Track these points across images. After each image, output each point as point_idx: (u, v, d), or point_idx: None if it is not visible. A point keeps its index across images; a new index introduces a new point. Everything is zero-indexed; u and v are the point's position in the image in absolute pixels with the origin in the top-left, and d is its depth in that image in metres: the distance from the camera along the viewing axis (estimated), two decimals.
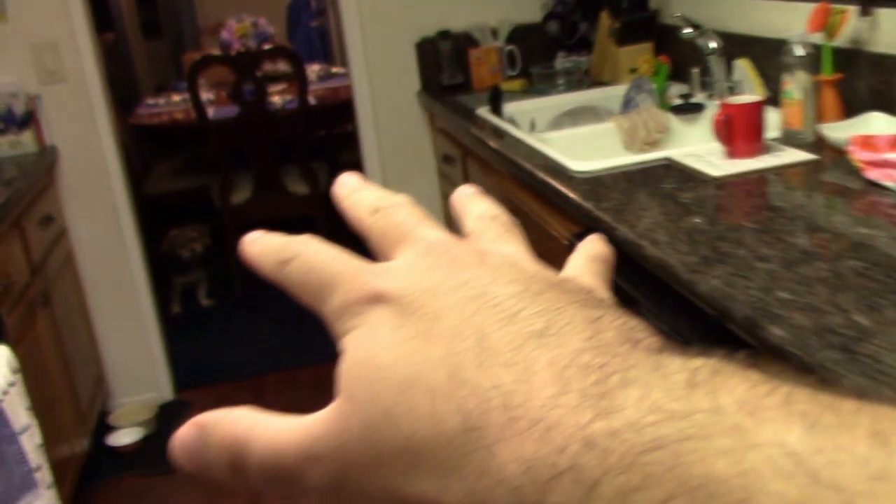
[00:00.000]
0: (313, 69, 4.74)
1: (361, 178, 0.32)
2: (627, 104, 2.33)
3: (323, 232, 0.29)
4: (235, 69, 3.67)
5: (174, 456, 0.27)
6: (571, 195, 1.62)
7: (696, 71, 2.25)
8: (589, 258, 0.32)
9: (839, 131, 1.62)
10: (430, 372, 0.23)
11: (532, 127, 2.39)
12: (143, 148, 4.44)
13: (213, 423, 0.26)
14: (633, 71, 2.51)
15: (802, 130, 1.71)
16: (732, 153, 1.66)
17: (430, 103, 2.82)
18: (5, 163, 2.63)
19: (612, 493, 0.19)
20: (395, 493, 0.23)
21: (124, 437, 2.82)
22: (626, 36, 2.55)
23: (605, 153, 1.91)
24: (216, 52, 4.59)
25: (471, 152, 2.45)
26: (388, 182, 2.92)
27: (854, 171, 1.48)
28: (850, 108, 1.72)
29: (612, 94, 2.48)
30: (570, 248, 0.34)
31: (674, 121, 2.11)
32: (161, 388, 3.10)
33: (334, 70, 4.95)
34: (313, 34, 6.37)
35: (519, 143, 2.07)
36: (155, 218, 3.91)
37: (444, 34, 2.86)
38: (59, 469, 2.17)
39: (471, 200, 0.33)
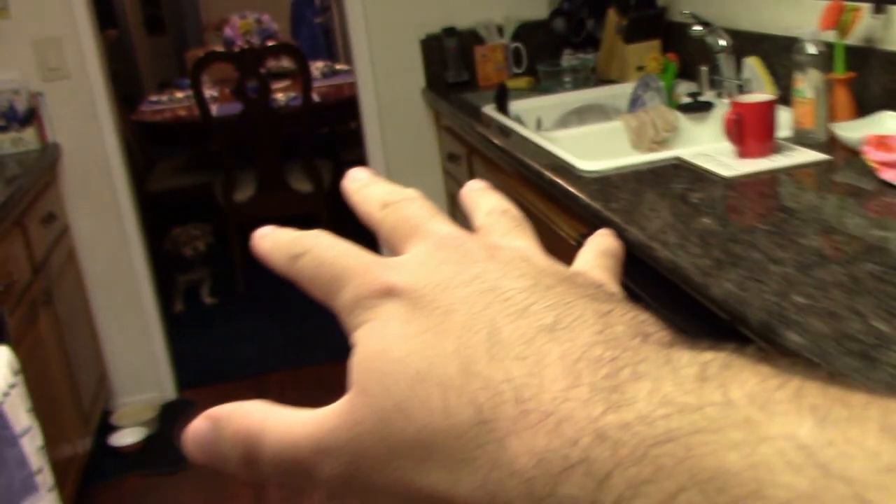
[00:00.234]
0: (317, 66, 4.72)
1: (371, 173, 0.32)
2: (635, 102, 2.31)
3: (327, 230, 0.29)
4: (239, 66, 3.65)
5: (187, 448, 0.27)
6: (580, 195, 1.60)
7: (704, 69, 2.22)
8: (599, 253, 0.33)
9: (852, 131, 1.60)
10: (441, 365, 0.23)
11: (538, 125, 2.37)
12: (145, 145, 4.42)
13: (226, 416, 0.26)
14: (641, 69, 2.48)
15: (814, 130, 1.69)
16: (743, 153, 1.63)
17: (435, 101, 2.80)
18: (7, 160, 2.62)
19: (623, 485, 0.19)
20: (407, 486, 0.23)
21: (127, 436, 2.81)
22: (633, 33, 2.53)
23: (612, 152, 1.88)
24: (219, 48, 4.56)
25: (476, 151, 2.42)
26: (393, 180, 2.86)
27: (868, 172, 1.45)
28: (863, 108, 1.70)
29: (620, 92, 2.45)
30: (577, 249, 0.33)
31: (682, 119, 2.08)
32: (164, 387, 3.08)
33: (338, 67, 4.93)
34: (317, 31, 6.35)
35: (525, 141, 2.05)
36: (158, 216, 3.89)
37: (450, 31, 2.83)
38: (60, 470, 2.15)
39: (481, 195, 0.33)
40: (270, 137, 3.71)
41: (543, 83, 2.70)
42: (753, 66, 2.06)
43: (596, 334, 0.22)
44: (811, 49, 1.67)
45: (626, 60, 2.55)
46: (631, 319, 0.23)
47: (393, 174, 2.93)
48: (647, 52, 2.51)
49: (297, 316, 3.51)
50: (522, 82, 2.71)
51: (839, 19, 1.69)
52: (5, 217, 2.16)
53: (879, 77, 1.72)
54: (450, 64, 2.86)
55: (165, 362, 3.08)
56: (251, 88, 3.67)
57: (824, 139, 1.67)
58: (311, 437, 0.25)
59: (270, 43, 4.55)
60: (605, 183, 1.64)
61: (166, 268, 3.61)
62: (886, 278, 1.08)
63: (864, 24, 1.72)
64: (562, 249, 1.74)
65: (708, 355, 0.20)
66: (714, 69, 2.18)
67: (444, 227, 0.28)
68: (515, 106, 2.42)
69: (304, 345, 3.36)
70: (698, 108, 2.08)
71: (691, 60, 2.34)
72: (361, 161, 3.00)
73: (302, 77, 3.76)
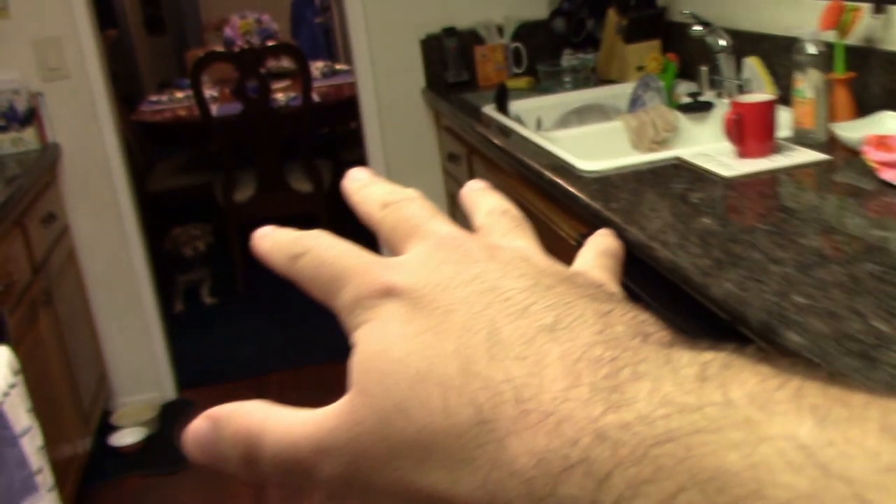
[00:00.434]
0: (317, 66, 4.72)
1: (371, 173, 0.32)
2: (635, 102, 2.31)
3: (327, 230, 0.29)
4: (239, 66, 3.65)
5: (187, 448, 0.27)
6: (580, 195, 1.60)
7: (704, 69, 2.22)
8: (599, 253, 0.33)
9: (852, 131, 1.60)
10: (441, 365, 0.23)
11: (538, 125, 2.37)
12: (145, 145, 4.42)
13: (226, 416, 0.26)
14: (641, 69, 2.48)
15: (814, 130, 1.69)
16: (743, 153, 1.63)
17: (435, 101, 2.80)
18: (7, 160, 2.62)
19: (623, 485, 0.19)
20: (407, 486, 0.23)
21: (127, 436, 2.81)
22: (633, 33, 2.53)
23: (612, 152, 1.88)
24: (219, 48, 4.56)
25: (476, 151, 2.42)
26: (393, 180, 2.86)
27: (868, 172, 1.45)
28: (863, 108, 1.70)
29: (620, 92, 2.45)
30: (577, 249, 0.33)
31: (682, 119, 2.08)
32: (164, 387, 3.08)
33: (338, 67, 4.92)
34: (317, 31, 6.35)
35: (525, 141, 2.05)
36: (158, 216, 3.89)
37: (450, 31, 2.83)
38: (60, 470, 2.15)
39: (481, 195, 0.33)
40: (270, 137, 3.71)
41: (543, 83, 2.70)
42: (753, 66, 2.06)
43: (596, 334, 0.22)
44: (811, 49, 1.67)
45: (626, 60, 2.55)
46: (631, 319, 0.23)
47: (393, 174, 2.93)
48: (647, 52, 2.51)
49: (297, 316, 3.50)
50: (522, 82, 2.71)
51: (839, 19, 1.69)
52: (5, 217, 2.16)
53: (879, 77, 1.72)
54: (450, 64, 2.86)
55: (165, 362, 3.08)
56: (251, 88, 3.67)
57: (824, 139, 1.67)
58: (311, 437, 0.25)
59: (270, 43, 4.55)
60: (605, 183, 1.64)
61: (166, 268, 3.61)
62: (886, 278, 1.08)
63: (864, 24, 1.72)
64: (562, 249, 1.74)
65: (708, 355, 0.20)
66: (714, 69, 2.18)
67: (444, 227, 0.28)
68: (515, 106, 2.42)
69: (304, 345, 3.36)
70: (698, 108, 2.08)
71: (691, 60, 2.34)
72: (361, 161, 3.00)
73: (302, 77, 3.75)
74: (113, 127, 2.83)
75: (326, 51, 6.23)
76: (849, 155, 1.58)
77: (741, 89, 2.05)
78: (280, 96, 4.14)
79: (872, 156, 1.44)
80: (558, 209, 1.80)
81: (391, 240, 0.29)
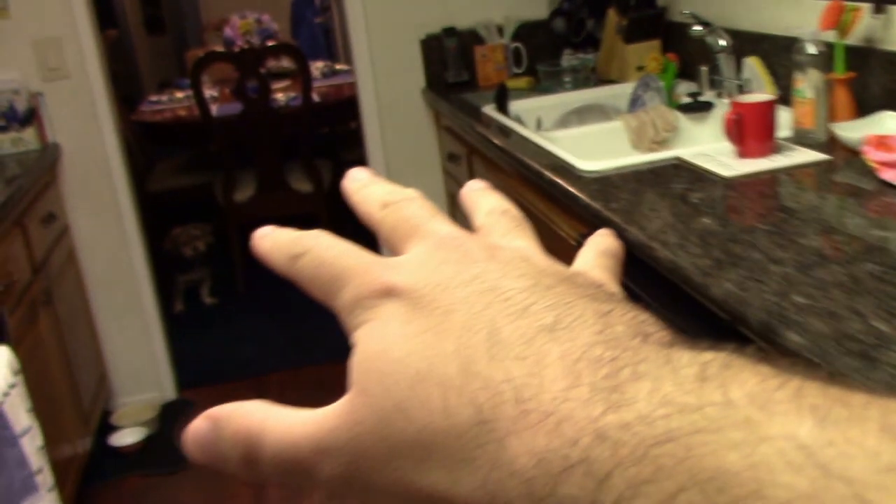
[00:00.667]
0: (317, 66, 4.72)
1: (371, 173, 0.32)
2: (635, 102, 2.31)
3: (327, 230, 0.29)
4: (239, 66, 3.64)
5: (187, 448, 0.27)
6: (580, 195, 1.60)
7: (704, 69, 2.22)
8: (598, 253, 0.33)
9: (852, 131, 1.60)
10: (441, 365, 0.23)
11: (538, 125, 2.37)
12: (145, 145, 4.42)
13: (226, 416, 0.26)
14: (641, 69, 2.48)
15: (814, 130, 1.69)
16: (743, 153, 1.63)
17: (435, 101, 2.80)
18: (7, 160, 2.62)
19: (623, 485, 0.19)
20: (407, 486, 0.23)
21: (127, 437, 2.81)
22: (633, 33, 2.53)
23: (612, 152, 1.88)
24: (219, 48, 4.56)
25: (476, 151, 2.42)
26: (393, 180, 2.85)
27: (868, 172, 1.45)
28: (863, 108, 1.70)
29: (620, 92, 2.45)
30: (577, 249, 0.34)
31: (682, 119, 2.08)
32: (164, 387, 3.08)
33: (338, 67, 4.92)
34: (317, 31, 6.35)
35: (525, 141, 2.05)
36: (158, 215, 3.89)
37: (450, 31, 2.83)
38: (60, 470, 2.15)
39: (481, 195, 0.33)
40: (270, 137, 3.70)
41: (543, 83, 2.70)
42: (753, 66, 2.06)
43: (596, 334, 0.22)
44: (811, 49, 1.67)
45: (626, 60, 2.55)
46: (631, 319, 0.23)
47: (393, 174, 2.93)
48: (647, 52, 2.51)
49: (296, 316, 3.50)
50: (522, 82, 2.71)
51: (839, 19, 1.69)
52: (5, 217, 2.16)
53: (879, 77, 1.72)
54: (450, 64, 2.86)
55: (165, 362, 3.08)
56: (251, 88, 3.67)
57: (824, 139, 1.67)
58: (311, 437, 0.25)
59: (270, 43, 4.55)
60: (605, 183, 1.64)
61: (166, 268, 3.61)
62: (886, 278, 1.08)
63: (864, 24, 1.72)
64: (562, 249, 1.74)
65: (708, 355, 0.20)
66: (714, 69, 2.18)
67: (444, 227, 0.29)
68: (515, 106, 2.42)
69: (304, 345, 3.36)
70: (698, 108, 2.08)
71: (691, 60, 2.34)
72: (361, 161, 3.00)
73: (302, 77, 3.75)
74: (113, 127, 2.83)
75: (326, 51, 6.23)
76: (849, 155, 1.58)
77: (741, 89, 2.05)
78: (280, 96, 4.14)
79: (872, 156, 1.44)
80: (558, 209, 1.80)
81: (391, 240, 0.29)
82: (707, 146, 1.76)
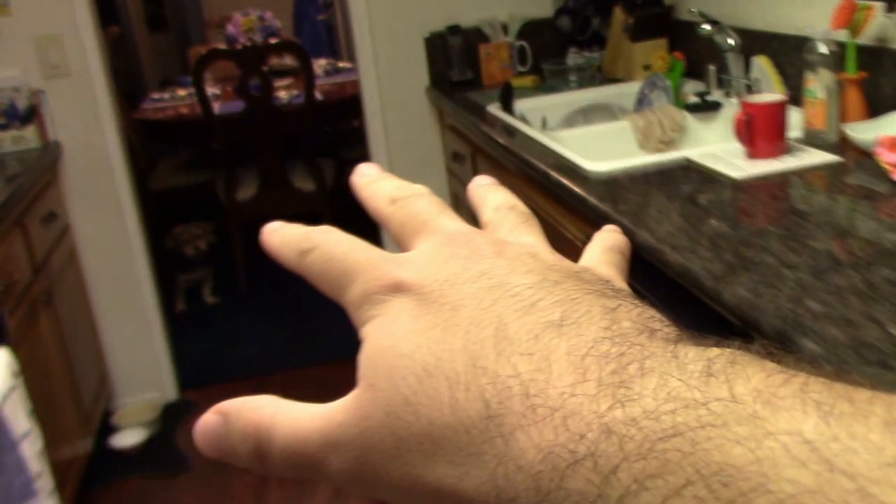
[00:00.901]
0: (320, 64, 4.69)
1: (379, 168, 0.32)
2: (641, 102, 2.28)
3: None
4: (241, 64, 3.62)
5: (197, 442, 0.27)
6: (588, 197, 1.57)
7: (712, 68, 2.19)
8: (605, 248, 0.33)
9: (864, 132, 1.57)
10: (449, 360, 0.23)
11: (544, 124, 2.35)
12: (147, 143, 4.40)
13: (236, 410, 0.26)
14: (647, 68, 2.45)
15: (825, 131, 1.66)
16: (753, 154, 1.61)
17: (439, 99, 2.77)
18: (8, 158, 2.60)
19: (629, 479, 0.19)
20: (415, 481, 0.23)
21: (128, 437, 2.79)
22: (640, 32, 2.50)
23: (619, 152, 1.86)
24: (222, 46, 4.54)
25: (481, 150, 2.40)
26: None
27: (881, 174, 1.43)
28: (875, 108, 1.67)
29: (626, 91, 2.43)
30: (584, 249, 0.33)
31: (689, 119, 2.06)
32: (165, 387, 3.06)
33: (341, 65, 4.90)
34: (320, 28, 6.32)
35: (531, 141, 2.02)
36: (159, 214, 3.87)
37: (454, 29, 2.81)
38: (61, 471, 2.13)
39: (488, 191, 0.33)
40: (273, 135, 3.68)
41: (549, 82, 2.67)
42: (762, 65, 2.03)
43: (603, 330, 0.22)
44: (822, 48, 1.65)
45: (633, 59, 2.52)
46: (638, 315, 0.23)
47: (396, 173, 2.76)
48: (654, 51, 2.48)
49: (299, 315, 3.49)
50: (527, 81, 2.69)
51: (851, 18, 1.67)
52: (6, 216, 2.14)
53: (892, 77, 1.70)
54: (454, 62, 2.83)
55: (167, 362, 3.06)
56: (254, 86, 3.64)
57: (836, 140, 1.65)
58: (320, 431, 0.25)
59: (273, 40, 4.52)
60: (613, 184, 1.62)
61: (168, 267, 3.59)
62: None
63: (877, 24, 1.70)
64: (568, 251, 1.71)
65: (714, 351, 0.20)
66: (722, 68, 2.15)
67: (452, 223, 0.29)
68: (520, 105, 2.39)
69: (306, 344, 3.34)
70: (706, 107, 2.06)
71: (699, 59, 2.31)
72: (364, 160, 2.96)
73: (305, 75, 3.73)
74: (114, 125, 2.81)
75: (329, 48, 6.21)
76: (861, 156, 1.55)
77: (750, 89, 2.03)
78: (283, 94, 4.11)
79: (885, 157, 1.42)
80: (564, 210, 1.78)
81: (399, 235, 0.29)
82: (716, 147, 1.73)
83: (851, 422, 0.18)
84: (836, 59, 1.65)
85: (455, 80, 2.82)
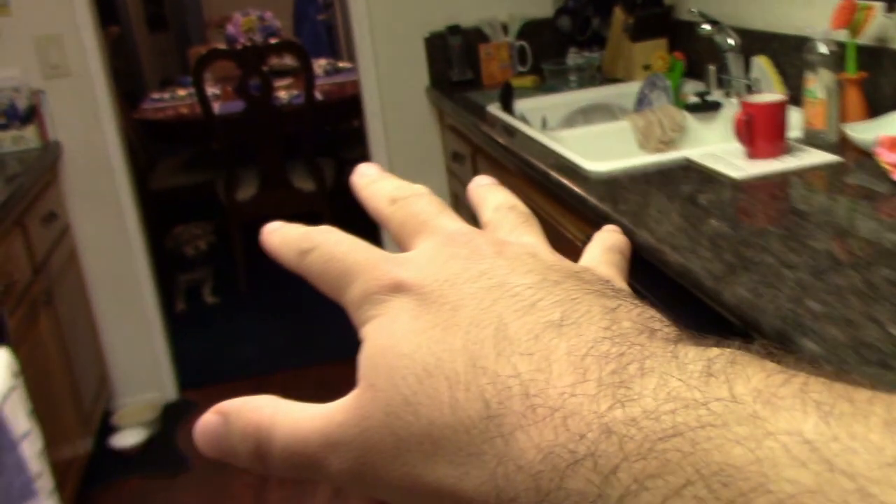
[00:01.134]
0: (320, 64, 4.69)
1: (380, 168, 0.32)
2: (641, 102, 2.28)
3: None
4: (241, 64, 3.62)
5: (197, 442, 0.27)
6: (588, 197, 1.57)
7: (712, 68, 2.19)
8: (605, 248, 0.33)
9: (864, 132, 1.57)
10: (450, 360, 0.23)
11: (544, 124, 2.35)
12: (147, 143, 4.40)
13: (236, 410, 0.26)
14: (647, 68, 2.45)
15: (825, 131, 1.66)
16: (753, 154, 1.61)
17: (439, 99, 2.77)
18: (8, 158, 2.59)
19: (629, 479, 0.19)
20: (415, 481, 0.23)
21: (128, 437, 2.79)
22: (640, 32, 2.50)
23: (619, 152, 1.86)
24: (222, 46, 4.54)
25: (481, 150, 2.40)
26: None
27: (881, 174, 1.43)
28: (875, 108, 1.67)
29: (626, 91, 2.43)
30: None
31: (689, 119, 2.06)
32: (165, 387, 3.06)
33: (341, 65, 4.90)
34: (320, 28, 6.32)
35: (531, 141, 2.02)
36: (159, 214, 3.87)
37: (454, 29, 2.81)
38: (61, 472, 2.13)
39: (488, 191, 0.33)
40: (273, 135, 3.68)
41: (549, 82, 2.67)
42: (762, 65, 2.03)
43: (603, 330, 0.22)
44: (822, 48, 1.65)
45: (633, 59, 2.52)
46: (638, 315, 0.23)
47: (396, 173, 2.76)
48: (654, 51, 2.48)
49: (299, 315, 3.49)
50: (527, 81, 2.69)
51: (851, 18, 1.67)
52: (6, 216, 2.14)
53: (892, 77, 1.70)
54: (454, 62, 2.83)
55: (167, 362, 3.06)
56: (253, 86, 3.64)
57: (836, 140, 1.65)
58: (320, 431, 0.25)
59: (273, 40, 4.52)
60: (612, 184, 1.62)
61: (168, 267, 3.59)
62: None
63: (877, 23, 1.70)
64: (568, 251, 1.71)
65: (714, 351, 0.20)
66: (722, 68, 2.15)
67: (452, 223, 0.29)
68: (520, 105, 2.39)
69: (306, 344, 3.34)
70: (706, 107, 2.06)
71: (699, 59, 2.31)
72: (364, 160, 2.96)
73: (305, 75, 3.73)
74: (115, 125, 2.81)
75: (329, 48, 6.20)
76: (861, 156, 1.55)
77: (750, 89, 2.03)
78: (282, 94, 4.11)
79: (885, 157, 1.42)
80: (564, 210, 1.78)
81: (400, 235, 0.29)
82: (716, 147, 1.73)
83: (851, 422, 0.18)
84: (836, 59, 1.65)
85: (455, 80, 2.82)
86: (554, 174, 1.75)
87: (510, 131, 2.16)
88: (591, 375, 0.21)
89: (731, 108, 1.98)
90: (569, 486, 0.20)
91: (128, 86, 5.08)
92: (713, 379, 0.19)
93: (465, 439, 0.22)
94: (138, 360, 3.01)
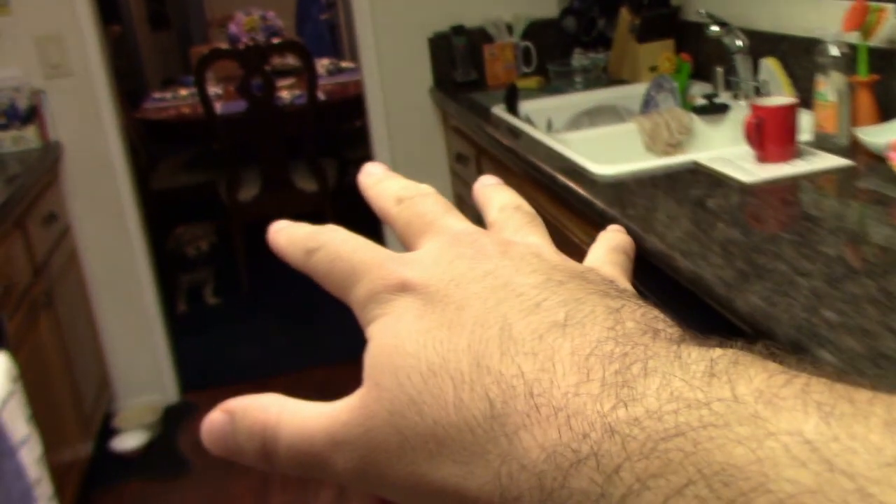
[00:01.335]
0: (322, 64, 4.67)
1: (386, 168, 0.33)
2: (648, 104, 2.26)
3: None
4: (243, 63, 3.60)
5: (203, 440, 0.27)
6: (595, 201, 1.55)
7: (720, 70, 2.17)
8: (609, 249, 0.33)
9: (876, 135, 1.55)
10: (454, 360, 0.23)
11: (549, 126, 2.32)
12: (149, 143, 4.38)
13: (242, 409, 0.27)
14: (654, 69, 2.43)
15: (836, 134, 1.64)
16: (763, 157, 1.59)
17: (443, 100, 2.75)
18: (8, 159, 2.57)
19: (632, 478, 0.19)
20: (420, 480, 0.23)
21: (129, 440, 2.76)
22: (646, 32, 2.48)
23: (626, 155, 1.84)
24: (224, 45, 4.52)
25: (485, 152, 2.38)
26: None
27: (893, 178, 1.41)
28: (887, 112, 1.65)
29: (632, 92, 2.40)
30: None
31: (697, 122, 2.03)
32: (166, 389, 3.04)
33: (344, 65, 4.88)
34: (322, 28, 6.30)
35: (536, 143, 2.00)
36: (161, 214, 3.85)
37: (458, 29, 2.79)
38: (61, 475, 2.11)
39: (493, 191, 0.33)
40: (275, 136, 3.66)
41: (554, 83, 2.65)
42: (771, 67, 2.01)
43: (607, 330, 0.22)
44: (833, 51, 1.63)
45: (639, 60, 2.50)
46: (641, 316, 0.23)
47: (399, 174, 2.88)
48: (660, 52, 2.46)
49: (301, 316, 3.47)
50: (532, 82, 2.66)
51: (863, 20, 1.64)
52: (6, 217, 2.12)
53: None
54: (458, 62, 2.81)
55: (168, 364, 3.04)
56: (256, 86, 3.62)
57: (847, 144, 1.63)
58: (326, 430, 0.25)
59: (275, 40, 4.50)
60: (620, 188, 1.60)
61: (169, 267, 3.57)
62: None
63: (889, 25, 1.67)
64: (575, 255, 1.69)
65: (717, 352, 0.21)
66: (730, 70, 2.13)
67: (457, 223, 0.29)
68: (525, 106, 2.37)
69: (308, 346, 3.32)
70: (714, 110, 2.03)
71: (706, 61, 2.29)
72: (367, 160, 2.93)
73: (307, 75, 3.71)
74: (116, 125, 2.79)
75: (332, 48, 6.18)
76: (873, 160, 1.53)
77: (758, 91, 2.00)
78: (285, 94, 4.09)
79: None
80: (571, 213, 1.75)
81: (405, 235, 0.30)
82: (725, 150, 1.71)
83: (852, 422, 0.18)
84: (848, 62, 1.63)
85: (459, 81, 2.80)
86: (560, 177, 1.73)
87: (515, 133, 2.14)
88: (595, 375, 0.21)
89: (738, 111, 1.95)
90: (572, 485, 0.20)
91: (129, 85, 5.06)
92: (715, 379, 0.20)
93: (469, 438, 0.22)
94: (139, 362, 2.99)
